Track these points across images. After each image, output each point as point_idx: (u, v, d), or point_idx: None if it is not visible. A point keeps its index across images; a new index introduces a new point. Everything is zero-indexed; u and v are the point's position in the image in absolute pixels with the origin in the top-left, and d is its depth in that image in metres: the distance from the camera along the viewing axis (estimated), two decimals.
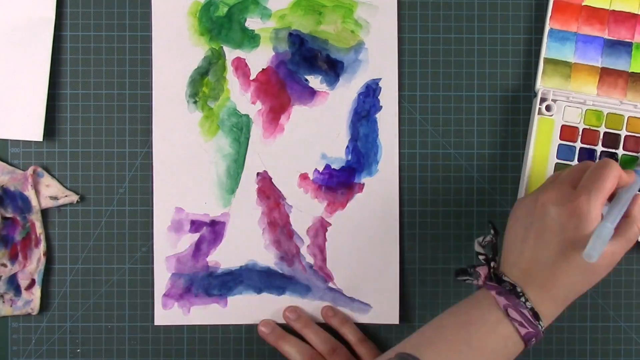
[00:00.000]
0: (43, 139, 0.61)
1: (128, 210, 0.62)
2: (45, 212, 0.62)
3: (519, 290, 0.50)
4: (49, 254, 0.62)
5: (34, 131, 0.61)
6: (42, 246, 0.61)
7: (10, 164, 0.62)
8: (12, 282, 0.61)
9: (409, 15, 0.62)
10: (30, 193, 0.60)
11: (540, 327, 0.50)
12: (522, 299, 0.50)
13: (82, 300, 0.62)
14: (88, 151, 0.62)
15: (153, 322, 0.62)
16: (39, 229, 0.61)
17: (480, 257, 0.54)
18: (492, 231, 0.55)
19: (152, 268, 0.62)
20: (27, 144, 0.62)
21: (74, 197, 0.61)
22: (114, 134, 0.62)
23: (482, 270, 0.53)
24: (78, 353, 0.62)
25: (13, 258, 0.61)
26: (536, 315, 0.50)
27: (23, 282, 0.61)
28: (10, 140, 0.62)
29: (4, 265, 0.61)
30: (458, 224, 0.62)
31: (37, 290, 0.61)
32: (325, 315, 0.61)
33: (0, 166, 0.61)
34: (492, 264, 0.53)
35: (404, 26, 0.62)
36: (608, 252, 0.50)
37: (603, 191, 0.50)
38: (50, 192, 0.61)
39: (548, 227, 0.50)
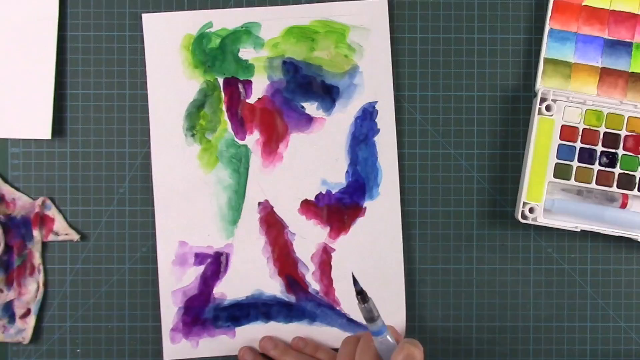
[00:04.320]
0: (51, 138, 0.61)
1: (128, 210, 0.62)
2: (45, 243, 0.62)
3: None
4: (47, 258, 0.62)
5: (42, 130, 0.61)
6: (41, 277, 0.61)
7: (8, 179, 0.62)
8: (8, 310, 0.61)
9: (408, 15, 0.62)
10: (34, 224, 0.61)
11: None
12: None
13: (82, 300, 0.62)
14: (88, 151, 0.62)
15: (153, 323, 0.62)
16: (37, 259, 0.61)
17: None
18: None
19: (154, 270, 0.62)
20: (26, 144, 0.62)
21: (75, 236, 0.61)
22: (114, 134, 0.62)
23: None
24: (78, 353, 0.62)
25: (9, 284, 0.61)
26: None
27: (18, 311, 0.61)
28: (10, 139, 0.62)
29: (1, 290, 0.61)
30: (458, 224, 0.62)
31: (31, 320, 0.61)
32: (296, 346, 0.61)
33: (9, 191, 0.61)
34: None
35: (404, 26, 0.62)
36: None
37: None
38: (53, 226, 0.61)
39: None
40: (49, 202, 0.61)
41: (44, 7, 0.61)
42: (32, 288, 0.61)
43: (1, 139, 0.62)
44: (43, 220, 0.61)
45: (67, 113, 0.62)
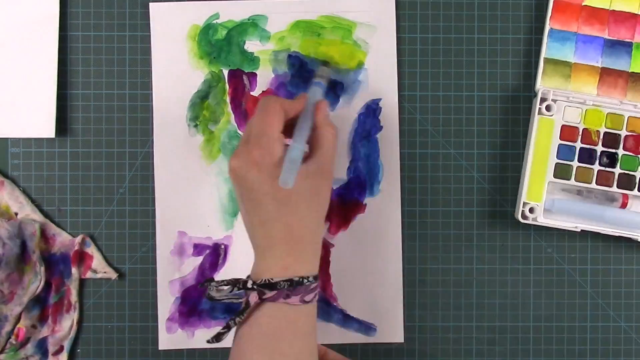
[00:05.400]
0: (55, 136, 0.61)
1: (128, 210, 0.62)
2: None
3: (276, 281, 0.49)
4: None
5: (46, 128, 0.61)
6: (76, 315, 0.61)
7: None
8: (41, 346, 0.61)
9: (409, 15, 0.62)
10: (73, 261, 0.61)
11: (307, 282, 0.50)
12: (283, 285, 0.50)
13: (82, 300, 0.62)
14: (88, 151, 0.62)
15: (152, 322, 0.62)
16: (74, 296, 0.61)
17: (228, 297, 0.53)
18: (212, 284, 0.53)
19: (154, 270, 0.62)
20: (26, 143, 0.62)
21: (113, 275, 0.61)
22: (114, 134, 0.62)
23: (251, 297, 0.51)
24: (78, 353, 0.62)
25: (43, 320, 0.61)
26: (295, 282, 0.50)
27: (52, 348, 0.61)
28: (10, 139, 0.62)
29: (34, 327, 0.61)
30: (458, 224, 0.62)
31: (63, 357, 0.61)
32: None
33: (49, 227, 0.61)
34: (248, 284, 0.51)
35: (404, 26, 0.62)
36: (311, 165, 0.51)
37: (270, 131, 0.50)
38: (91, 263, 0.61)
39: (251, 188, 0.50)
40: (88, 239, 0.61)
41: (44, 7, 0.61)
42: (66, 325, 0.61)
43: (1, 139, 0.62)
44: (82, 258, 0.61)
45: (67, 113, 0.62)
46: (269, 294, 0.50)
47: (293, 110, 0.53)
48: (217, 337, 0.52)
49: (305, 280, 0.50)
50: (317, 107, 0.53)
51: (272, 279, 0.50)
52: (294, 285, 0.50)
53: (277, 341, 0.50)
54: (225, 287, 0.52)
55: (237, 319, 0.51)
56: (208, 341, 0.52)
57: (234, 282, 0.51)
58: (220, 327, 0.52)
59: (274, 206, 0.50)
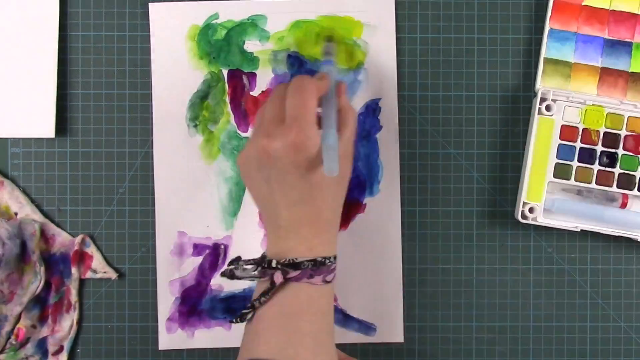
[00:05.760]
0: (55, 136, 0.61)
1: (128, 210, 0.62)
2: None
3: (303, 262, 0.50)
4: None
5: (46, 128, 0.61)
6: (76, 315, 0.61)
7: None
8: (41, 347, 0.61)
9: (409, 15, 0.62)
10: (73, 261, 0.61)
11: (329, 263, 0.51)
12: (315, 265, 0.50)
13: (82, 300, 0.62)
14: (88, 151, 0.62)
15: (152, 322, 0.62)
16: (73, 296, 0.61)
17: (251, 274, 0.52)
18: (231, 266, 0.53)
19: (154, 270, 0.62)
20: (26, 143, 0.62)
21: (113, 275, 0.61)
22: (114, 134, 0.62)
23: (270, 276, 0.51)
24: (78, 353, 0.62)
25: (43, 320, 0.61)
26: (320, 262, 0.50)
27: (52, 348, 0.61)
28: (11, 139, 0.62)
29: (34, 327, 0.61)
30: (458, 224, 0.62)
31: (63, 357, 0.61)
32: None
33: (49, 227, 0.61)
34: (272, 263, 0.50)
35: (404, 26, 0.62)
36: (340, 148, 0.49)
37: (309, 113, 0.49)
38: (91, 263, 0.61)
39: (285, 170, 0.50)
40: (88, 239, 0.61)
41: (44, 7, 0.61)
42: (66, 325, 0.61)
43: (1, 139, 0.62)
44: (82, 258, 0.61)
45: (67, 113, 0.62)
46: (293, 273, 0.50)
47: (321, 91, 0.52)
48: (242, 317, 0.51)
49: (327, 261, 0.51)
50: (339, 89, 0.53)
51: (296, 259, 0.50)
52: (317, 266, 0.50)
53: (298, 320, 0.50)
54: (250, 267, 0.52)
55: (262, 299, 0.50)
56: (231, 321, 0.52)
57: (259, 262, 0.51)
58: (244, 309, 0.51)
59: (307, 190, 0.50)
